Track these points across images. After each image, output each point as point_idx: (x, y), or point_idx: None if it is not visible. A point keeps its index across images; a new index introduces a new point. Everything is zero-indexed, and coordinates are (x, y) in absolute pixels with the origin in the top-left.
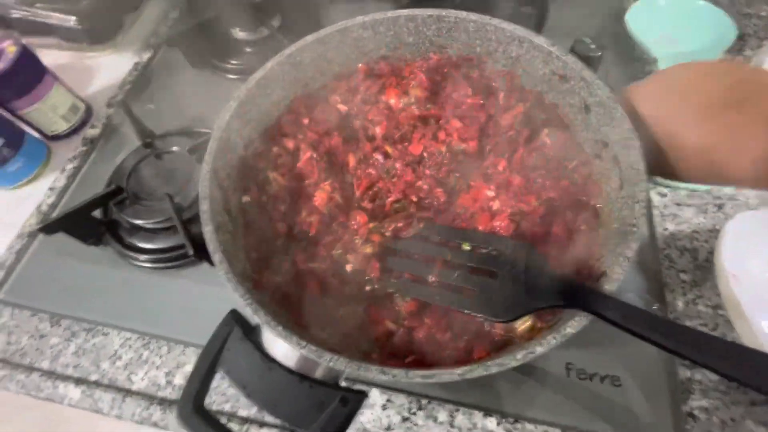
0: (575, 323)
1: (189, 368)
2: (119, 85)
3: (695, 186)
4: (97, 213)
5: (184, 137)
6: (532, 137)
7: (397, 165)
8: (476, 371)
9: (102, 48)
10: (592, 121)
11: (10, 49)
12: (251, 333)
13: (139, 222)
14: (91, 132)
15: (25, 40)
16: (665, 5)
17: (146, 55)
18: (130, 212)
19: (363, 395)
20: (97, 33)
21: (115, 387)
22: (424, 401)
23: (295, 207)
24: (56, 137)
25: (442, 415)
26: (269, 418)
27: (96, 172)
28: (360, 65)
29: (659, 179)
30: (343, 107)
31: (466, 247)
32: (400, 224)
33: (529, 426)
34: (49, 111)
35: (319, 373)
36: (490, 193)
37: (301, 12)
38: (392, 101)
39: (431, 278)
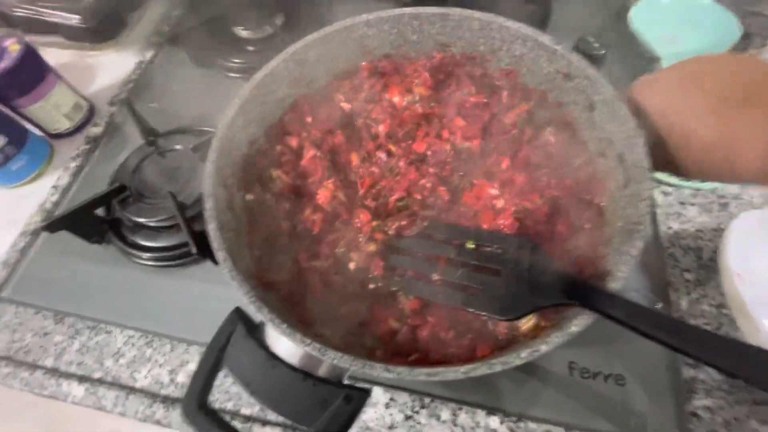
0: (580, 322)
1: (192, 366)
2: (122, 84)
3: (699, 184)
4: (100, 211)
5: (187, 135)
6: (536, 136)
7: (401, 163)
8: (480, 369)
9: (105, 46)
10: (597, 119)
11: (14, 47)
12: (255, 330)
13: (142, 220)
14: (94, 130)
15: (28, 39)
16: (669, 3)
17: (149, 54)
18: (134, 210)
19: (367, 393)
20: (100, 31)
21: (118, 385)
22: (426, 400)
23: (299, 205)
24: (59, 135)
25: (445, 414)
26: (272, 417)
27: (99, 170)
28: (364, 63)
29: (664, 177)
30: (346, 105)
31: (470, 245)
32: (403, 222)
33: (532, 425)
34: (52, 109)
35: (322, 371)
36: (494, 192)
37: (304, 10)
38: (396, 99)
39: (435, 276)
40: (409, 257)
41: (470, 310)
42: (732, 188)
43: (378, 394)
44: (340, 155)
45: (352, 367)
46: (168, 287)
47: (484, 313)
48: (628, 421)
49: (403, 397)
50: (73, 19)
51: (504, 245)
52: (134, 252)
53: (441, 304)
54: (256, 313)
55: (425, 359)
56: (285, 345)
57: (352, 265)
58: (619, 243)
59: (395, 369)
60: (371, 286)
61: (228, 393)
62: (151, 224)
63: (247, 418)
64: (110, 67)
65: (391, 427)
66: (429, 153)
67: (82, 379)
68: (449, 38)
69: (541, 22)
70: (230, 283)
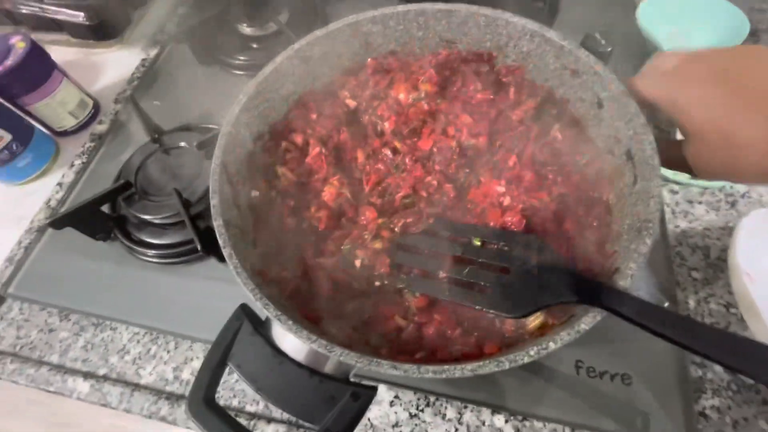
0: (589, 319)
1: (196, 363)
2: (127, 81)
3: (707, 183)
4: (105, 208)
5: (192, 133)
6: (543, 133)
7: (407, 160)
8: (488, 367)
9: (110, 44)
10: (605, 115)
11: (20, 44)
12: (261, 327)
13: (147, 217)
14: (99, 128)
15: (34, 36)
16: (677, 0)
17: (154, 51)
18: (139, 207)
19: (374, 390)
20: (105, 29)
21: (123, 381)
22: (431, 398)
23: (304, 202)
24: (64, 133)
25: (450, 412)
26: (277, 414)
27: (104, 167)
28: (369, 60)
29: (671, 175)
30: (351, 102)
31: (477, 242)
32: (409, 220)
33: (538, 424)
34: (57, 107)
35: (328, 368)
36: (501, 189)
37: (308, 7)
38: (401, 96)
39: (441, 274)
40: (416, 255)
41: (477, 307)
42: (740, 186)
43: (382, 391)
44: (345, 152)
45: (358, 364)
46: (173, 284)
47: (491, 311)
48: (635, 421)
49: (408, 395)
50: (78, 17)
51: (511, 242)
52: (139, 249)
53: (447, 301)
54: (261, 309)
55: (431, 357)
56: (291, 342)
57: (357, 263)
58: (627, 240)
59: (402, 366)
60: (377, 283)
61: (233, 390)
62: (156, 221)
63: (252, 415)
64: (115, 65)
65: (395, 425)
66: (435, 150)
67: (87, 375)
68: (455, 35)
69: (548, 18)
70: (235, 280)
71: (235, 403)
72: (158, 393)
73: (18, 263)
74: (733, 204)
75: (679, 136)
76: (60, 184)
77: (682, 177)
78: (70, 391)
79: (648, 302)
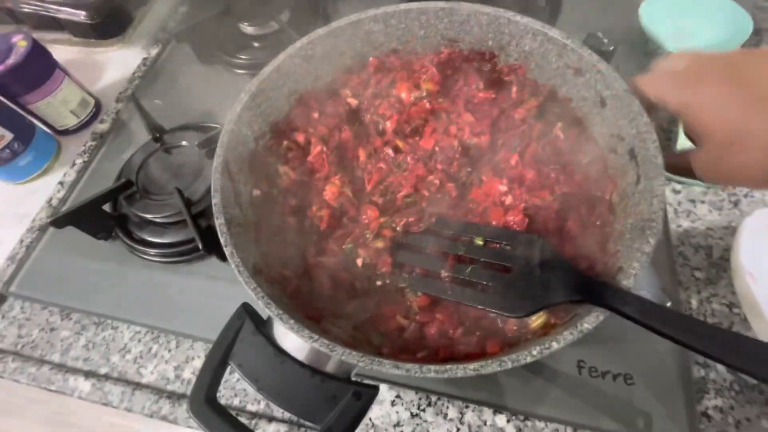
0: (592, 319)
1: (197, 363)
2: (128, 80)
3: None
4: (106, 207)
5: (193, 132)
6: (546, 131)
7: (408, 159)
8: (491, 366)
9: (111, 43)
10: (608, 114)
11: (21, 43)
12: (262, 326)
13: (148, 216)
14: (100, 127)
15: (35, 35)
16: None
17: (155, 50)
18: (140, 206)
19: (376, 390)
20: (107, 28)
21: (124, 380)
22: (433, 397)
23: (306, 201)
24: (66, 132)
25: (452, 412)
26: (278, 413)
27: (105, 166)
28: (371, 59)
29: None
30: (353, 101)
31: (479, 241)
32: (411, 219)
33: (540, 424)
34: (59, 105)
35: (330, 367)
36: (503, 188)
37: (310, 6)
38: (403, 95)
39: (443, 273)
40: (417, 254)
41: (479, 307)
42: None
43: (384, 391)
44: (347, 151)
45: (360, 363)
46: (174, 283)
47: (493, 311)
48: (637, 421)
49: (410, 395)
50: (80, 16)
51: (513, 242)
52: (140, 248)
53: (449, 301)
54: (263, 309)
55: (433, 356)
56: (293, 341)
57: (359, 262)
58: (630, 240)
59: (404, 366)
60: (379, 282)
61: (234, 389)
62: (158, 220)
63: (254, 415)
64: (117, 64)
65: (397, 425)
66: (437, 149)
67: (88, 374)
68: (457, 33)
69: (551, 17)
70: (237, 279)
71: (236, 402)
72: (159, 392)
73: (19, 262)
74: (736, 203)
75: (678, 147)
76: (61, 183)
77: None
78: (72, 390)
79: (651, 302)
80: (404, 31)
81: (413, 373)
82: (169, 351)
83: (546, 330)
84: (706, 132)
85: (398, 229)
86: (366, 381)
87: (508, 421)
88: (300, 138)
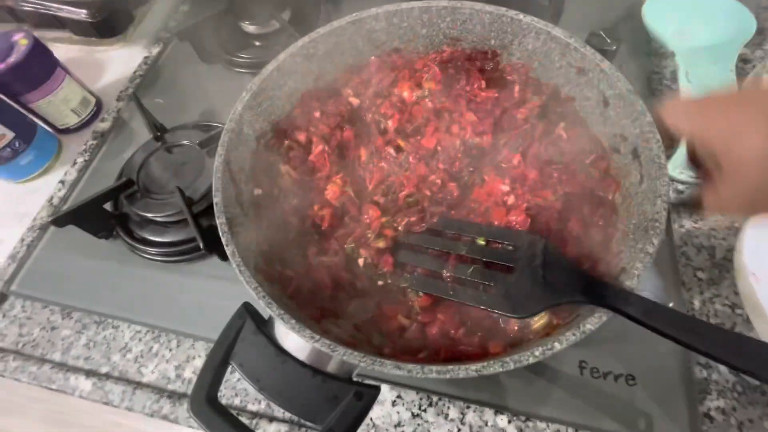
0: (594, 320)
1: (198, 362)
2: (129, 79)
3: None
4: (107, 206)
5: (194, 131)
6: (548, 131)
7: (410, 159)
8: (493, 367)
9: (112, 41)
10: (611, 114)
11: (22, 42)
12: (264, 326)
13: (149, 215)
14: (101, 125)
15: (36, 34)
16: None
17: (156, 49)
18: (141, 205)
19: (377, 390)
20: (108, 26)
21: (125, 379)
22: (434, 398)
23: (307, 200)
24: (67, 131)
25: (453, 412)
26: (279, 413)
27: (106, 165)
28: (372, 58)
29: (676, 174)
30: (355, 100)
31: (481, 241)
32: (412, 218)
33: (541, 424)
34: (60, 104)
35: (331, 367)
36: (505, 188)
37: (311, 4)
38: (405, 94)
39: (445, 273)
40: (419, 253)
41: (481, 307)
42: None
43: (385, 391)
44: (348, 150)
45: (361, 363)
46: (175, 283)
47: (495, 311)
48: (639, 422)
49: (411, 395)
50: (81, 14)
51: (516, 242)
52: (141, 247)
53: (451, 301)
54: (264, 308)
55: (435, 357)
56: (294, 341)
57: (360, 262)
58: (633, 240)
59: (406, 366)
60: (380, 282)
61: (235, 389)
62: (159, 219)
63: (254, 414)
64: (118, 63)
65: (398, 425)
66: (439, 148)
67: (89, 373)
68: (460, 32)
69: (553, 16)
70: (238, 278)
71: (237, 401)
72: (160, 391)
73: (20, 261)
74: None
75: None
76: (62, 182)
77: (688, 176)
78: (72, 389)
79: (654, 302)
80: (406, 30)
81: (415, 374)
82: (170, 350)
83: (548, 330)
84: (730, 161)
85: (400, 228)
86: (367, 381)
87: (509, 422)
88: (301, 137)
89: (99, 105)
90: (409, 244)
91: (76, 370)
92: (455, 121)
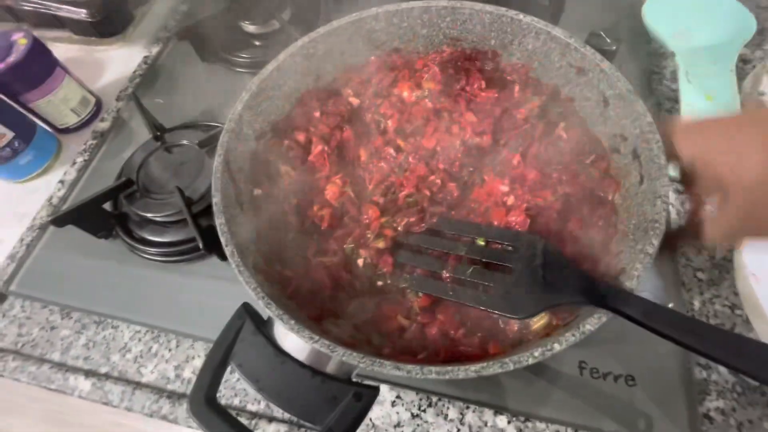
0: (594, 320)
1: (198, 362)
2: (129, 79)
3: None
4: (107, 206)
5: (194, 131)
6: (548, 131)
7: (410, 159)
8: (492, 368)
9: (112, 41)
10: (611, 114)
11: (22, 41)
12: (263, 326)
13: (149, 215)
14: (101, 125)
15: (35, 33)
16: None
17: (156, 49)
18: (140, 205)
19: (376, 391)
20: (108, 26)
21: (124, 380)
22: (434, 398)
23: (307, 200)
24: (66, 130)
25: (452, 413)
26: (278, 413)
27: (106, 165)
28: (372, 57)
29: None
30: (355, 100)
31: (481, 242)
32: (412, 219)
33: (540, 425)
34: (59, 104)
35: (330, 368)
36: (505, 188)
37: (311, 4)
38: (405, 94)
39: (445, 274)
40: (419, 254)
41: (481, 308)
42: None
43: (384, 391)
44: (348, 150)
45: (361, 364)
46: (174, 283)
47: (495, 312)
48: (638, 423)
49: (410, 396)
50: (81, 14)
51: (515, 242)
52: (141, 247)
53: (451, 301)
54: (263, 308)
55: (434, 357)
56: (293, 341)
57: (360, 262)
58: (633, 241)
59: (405, 367)
60: (380, 282)
61: (234, 389)
62: (158, 219)
63: (254, 415)
64: (117, 62)
65: (397, 426)
66: (438, 148)
67: (88, 373)
68: (460, 32)
69: (553, 16)
70: (237, 278)
71: (236, 402)
72: (159, 392)
73: (20, 261)
74: None
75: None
76: (62, 182)
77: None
78: (72, 389)
79: (654, 303)
80: (406, 30)
81: (414, 375)
82: (170, 350)
83: (548, 331)
84: (741, 182)
85: (399, 229)
86: (366, 382)
87: (509, 422)
88: (301, 137)
89: (99, 105)
90: (409, 244)
91: (75, 370)
92: (455, 121)
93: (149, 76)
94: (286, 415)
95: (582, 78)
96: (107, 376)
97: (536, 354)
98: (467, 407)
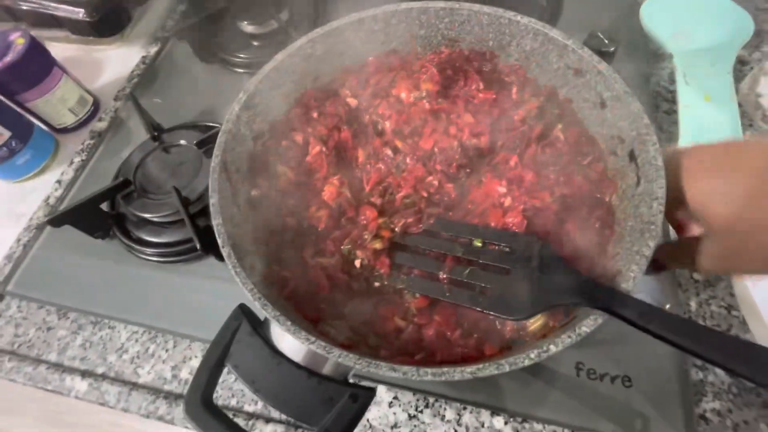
0: (590, 322)
1: (195, 363)
2: (127, 79)
3: None
4: (104, 206)
5: (192, 131)
6: (546, 133)
7: (408, 160)
8: (488, 370)
9: (110, 41)
10: (608, 116)
11: (19, 41)
12: (260, 327)
13: (146, 215)
14: (98, 125)
15: (33, 33)
16: None
17: (154, 49)
18: (138, 205)
19: (373, 392)
20: (105, 25)
21: (121, 380)
22: (431, 399)
23: (304, 201)
24: (64, 130)
25: (449, 414)
26: (275, 414)
27: (103, 165)
28: (371, 58)
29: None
30: (353, 101)
31: (478, 243)
32: (410, 220)
33: (538, 426)
34: (57, 103)
35: (327, 369)
36: (502, 189)
37: (310, 5)
38: (403, 95)
39: (442, 275)
40: (416, 255)
41: (478, 309)
42: None
43: (381, 392)
44: (346, 151)
45: (357, 365)
46: (171, 283)
47: (492, 313)
48: (635, 424)
49: (407, 396)
50: (79, 13)
51: (512, 243)
52: (138, 247)
53: (448, 303)
54: (260, 309)
55: (431, 358)
56: (290, 342)
57: (357, 263)
58: (630, 242)
59: (401, 368)
60: (377, 283)
61: (231, 390)
62: (155, 219)
63: (250, 415)
64: (115, 62)
65: (394, 426)
66: (436, 150)
67: (85, 374)
68: (458, 33)
69: (551, 17)
70: (234, 279)
71: (233, 402)
72: (156, 392)
73: (17, 261)
74: None
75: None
76: (59, 182)
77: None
78: (68, 389)
79: (650, 305)
80: (404, 31)
81: (410, 376)
82: (167, 351)
83: (544, 332)
84: (721, 224)
85: (397, 230)
86: (363, 382)
87: (506, 423)
88: (299, 138)
89: (96, 104)
90: (406, 245)
91: (72, 370)
92: (453, 122)
93: (147, 76)
94: (283, 416)
95: (579, 79)
96: (104, 377)
97: (533, 355)
98: (464, 408)
